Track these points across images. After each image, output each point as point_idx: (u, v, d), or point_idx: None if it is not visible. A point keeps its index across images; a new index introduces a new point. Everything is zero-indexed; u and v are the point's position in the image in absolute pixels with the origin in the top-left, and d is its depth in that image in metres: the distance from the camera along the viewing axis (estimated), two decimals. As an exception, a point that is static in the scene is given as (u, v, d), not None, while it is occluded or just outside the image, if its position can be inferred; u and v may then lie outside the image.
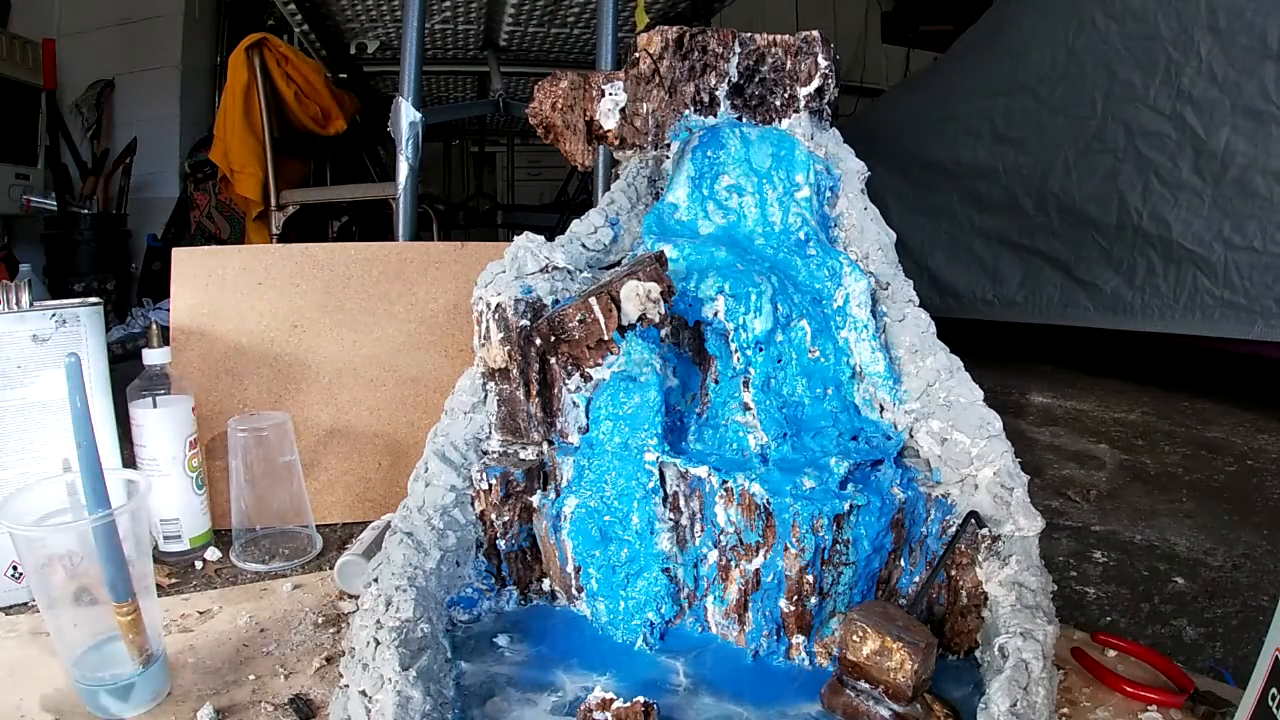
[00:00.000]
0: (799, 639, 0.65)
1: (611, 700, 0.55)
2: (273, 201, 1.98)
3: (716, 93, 0.83)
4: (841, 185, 0.82)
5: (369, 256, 1.05)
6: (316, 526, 0.96)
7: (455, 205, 3.57)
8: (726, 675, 0.64)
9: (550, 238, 0.76)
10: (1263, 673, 0.48)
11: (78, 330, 0.82)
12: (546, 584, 0.72)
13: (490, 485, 0.68)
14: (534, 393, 0.69)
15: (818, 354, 0.74)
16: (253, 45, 1.89)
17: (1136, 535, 1.04)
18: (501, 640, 0.66)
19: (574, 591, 0.69)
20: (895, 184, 2.43)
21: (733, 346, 0.72)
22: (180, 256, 1.00)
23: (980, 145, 2.17)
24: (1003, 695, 0.52)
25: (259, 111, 1.93)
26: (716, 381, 0.72)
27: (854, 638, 0.57)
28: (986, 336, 2.22)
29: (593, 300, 0.66)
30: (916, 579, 0.67)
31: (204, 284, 1.00)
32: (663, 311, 0.66)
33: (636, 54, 0.82)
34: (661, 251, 0.71)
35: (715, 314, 0.72)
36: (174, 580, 0.86)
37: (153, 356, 0.88)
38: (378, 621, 0.56)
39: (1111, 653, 0.72)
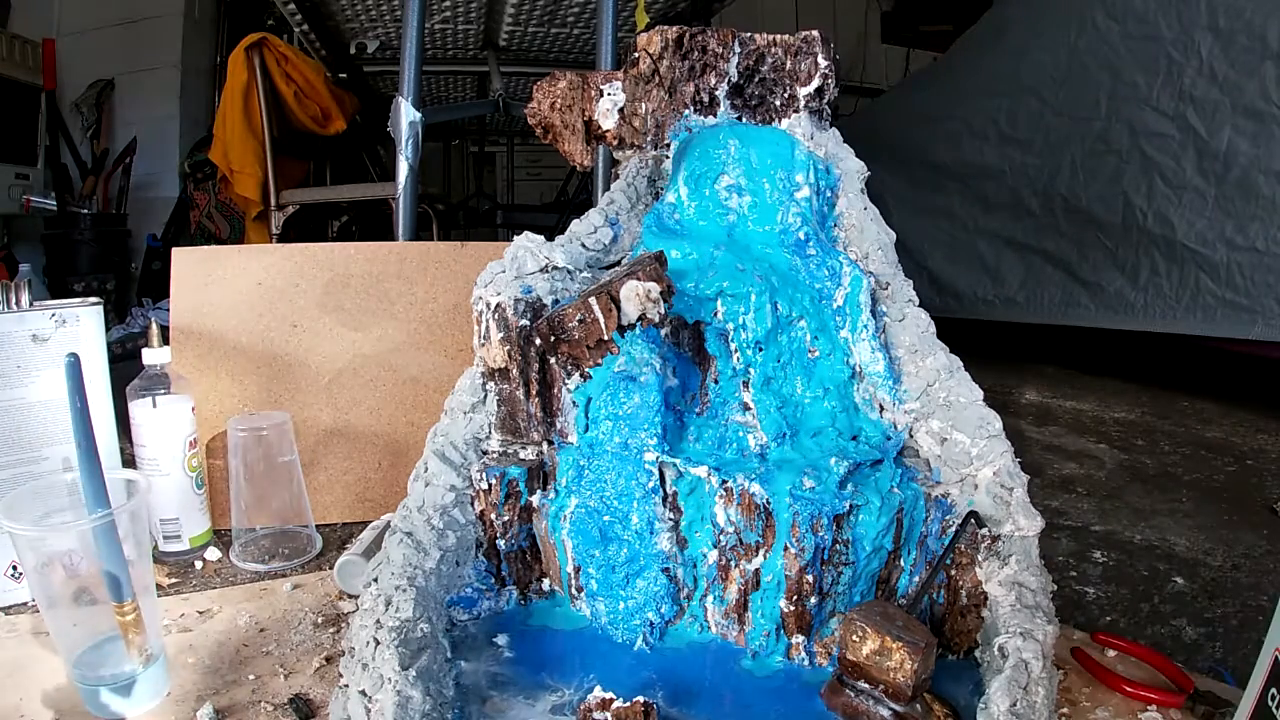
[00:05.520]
0: (799, 639, 0.65)
1: (611, 700, 0.55)
2: (273, 201, 1.98)
3: (716, 93, 0.83)
4: (841, 185, 0.82)
5: (369, 256, 1.05)
6: (316, 526, 0.96)
7: (455, 205, 3.57)
8: (726, 675, 0.64)
9: (550, 238, 0.76)
10: (1263, 673, 0.48)
11: (78, 330, 0.82)
12: (546, 584, 0.72)
13: (490, 485, 0.68)
14: (534, 393, 0.69)
15: (818, 354, 0.74)
16: (253, 45, 1.89)
17: (1136, 535, 1.04)
18: (501, 640, 0.66)
19: (574, 591, 0.69)
20: (895, 184, 2.42)
21: (732, 346, 0.72)
22: (180, 256, 1.00)
23: (986, 146, 2.17)
24: (1003, 695, 0.52)
25: (259, 111, 1.93)
26: (716, 381, 0.72)
27: (854, 638, 0.57)
28: (986, 336, 2.21)
29: (593, 300, 0.66)
30: (916, 579, 0.67)
31: (204, 284, 1.00)
32: (662, 311, 0.66)
33: (636, 54, 0.82)
34: (661, 251, 0.71)
35: (715, 314, 0.72)
36: (174, 580, 0.86)
37: (153, 356, 0.88)
38: (378, 621, 0.56)
39: (1111, 653, 0.72)
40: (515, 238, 0.73)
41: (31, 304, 0.80)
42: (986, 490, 0.66)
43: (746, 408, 0.72)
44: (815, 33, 0.83)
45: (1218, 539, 1.02)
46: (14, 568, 0.77)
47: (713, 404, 0.72)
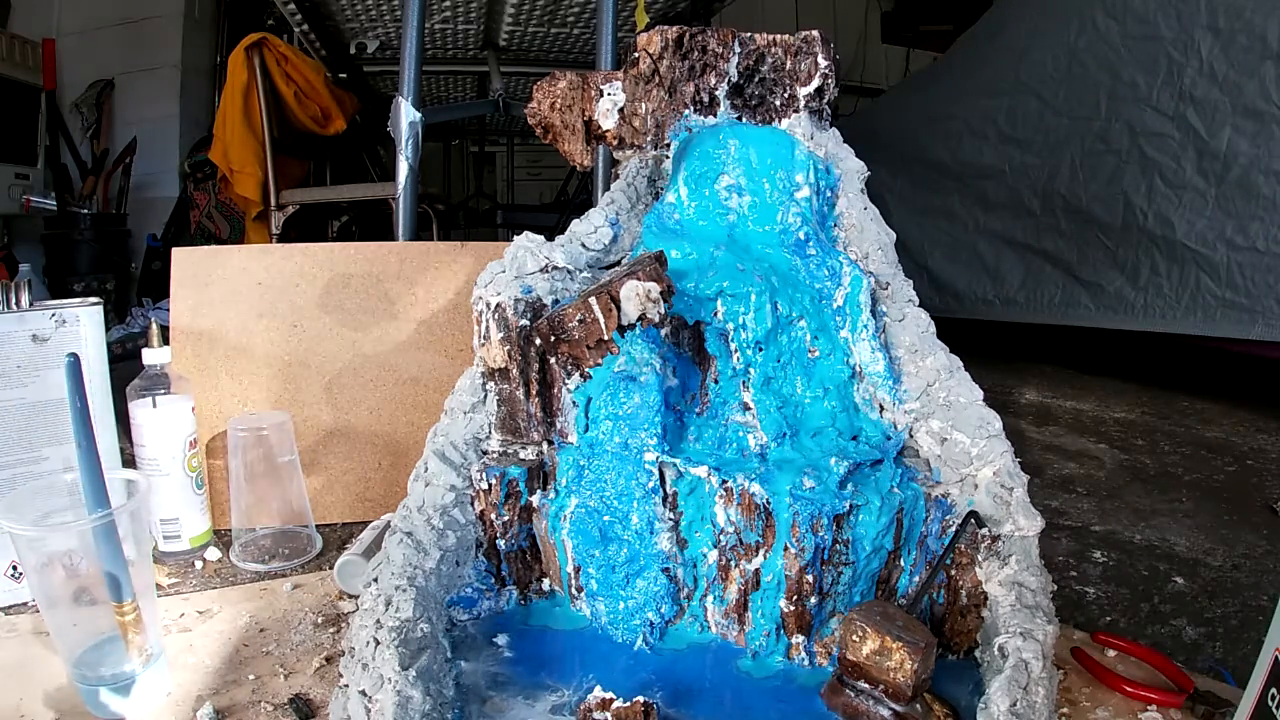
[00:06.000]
0: (799, 639, 0.65)
1: (611, 700, 0.55)
2: (273, 201, 1.98)
3: (716, 92, 0.83)
4: (841, 185, 0.82)
5: (369, 256, 1.05)
6: (316, 526, 0.96)
7: (455, 205, 3.57)
8: (726, 675, 0.64)
9: (550, 238, 0.76)
10: (1263, 673, 0.48)
11: (78, 330, 0.82)
12: (546, 584, 0.72)
13: (490, 485, 0.68)
14: (534, 393, 0.70)
15: (818, 354, 0.74)
16: (253, 45, 1.89)
17: (1136, 535, 1.04)
18: (501, 640, 0.66)
19: (574, 591, 0.69)
20: (895, 184, 2.42)
21: (732, 346, 0.72)
22: (180, 256, 1.00)
23: (985, 146, 2.17)
24: (1003, 695, 0.52)
25: (259, 111, 1.93)
26: (716, 381, 0.72)
27: (854, 637, 0.57)
28: (986, 336, 2.21)
29: (593, 300, 0.66)
30: (916, 579, 0.67)
31: (204, 284, 1.00)
32: (662, 311, 0.66)
33: (636, 54, 0.82)
34: (661, 251, 0.71)
35: (715, 314, 0.72)
36: (174, 580, 0.86)
37: (153, 356, 0.88)
38: (378, 621, 0.56)
39: (1111, 653, 0.72)
40: (515, 238, 0.73)
41: (31, 304, 0.80)
42: (986, 490, 0.66)
43: (746, 408, 0.72)
44: (815, 33, 0.83)
45: (1218, 539, 1.02)
46: (14, 568, 0.77)
47: (713, 404, 0.72)
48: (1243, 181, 1.53)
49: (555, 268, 0.73)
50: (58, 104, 2.75)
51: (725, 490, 0.65)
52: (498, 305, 0.68)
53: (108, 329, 1.03)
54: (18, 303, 0.79)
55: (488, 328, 0.68)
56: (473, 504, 0.68)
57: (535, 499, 0.69)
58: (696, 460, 0.66)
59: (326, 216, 2.53)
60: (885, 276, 0.78)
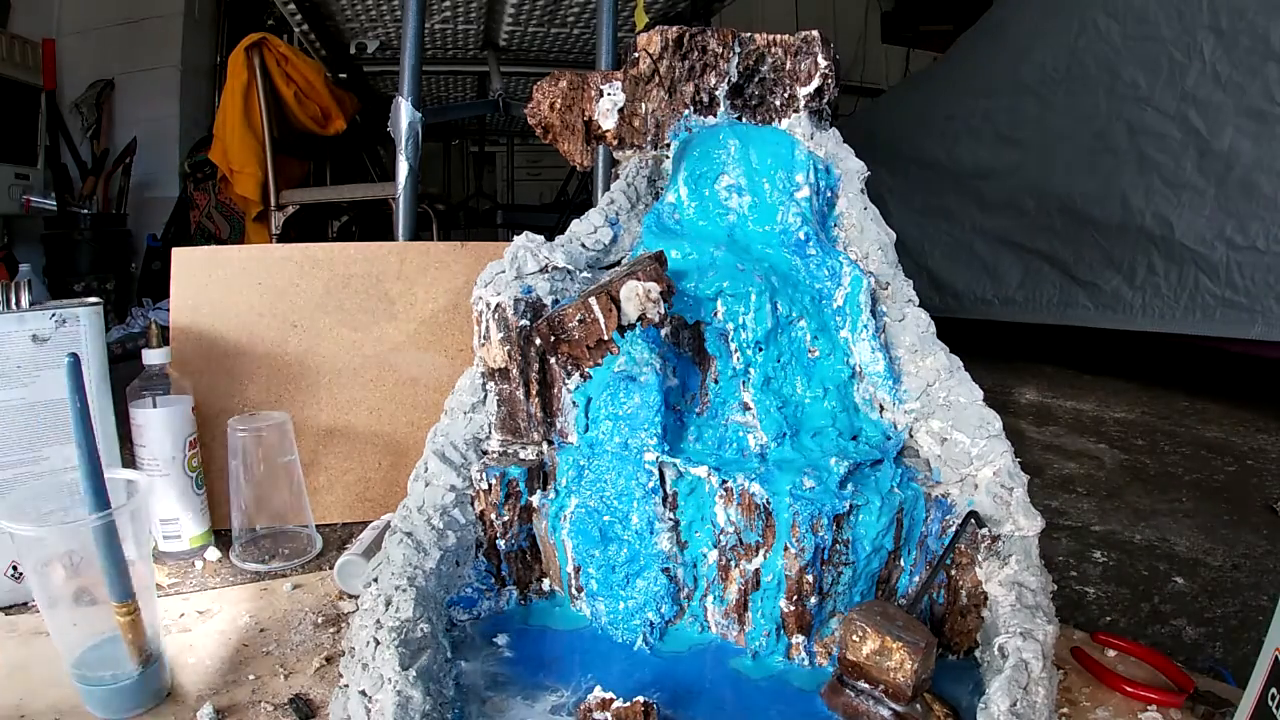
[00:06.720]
0: (799, 639, 0.65)
1: (611, 700, 0.55)
2: (273, 201, 1.98)
3: (716, 93, 0.83)
4: (841, 185, 0.82)
5: (369, 256, 1.05)
6: (316, 526, 0.96)
7: (455, 205, 3.57)
8: (726, 675, 0.64)
9: (550, 238, 0.76)
10: (1263, 673, 0.48)
11: (78, 330, 0.82)
12: (546, 584, 0.72)
13: (490, 485, 0.68)
14: (534, 393, 0.70)
15: (818, 354, 0.74)
16: (252, 45, 1.89)
17: (1136, 535, 1.04)
18: (501, 640, 0.66)
19: (574, 591, 0.69)
20: (895, 184, 2.43)
21: (732, 346, 0.72)
22: (180, 256, 1.00)
23: (982, 145, 2.17)
24: (1003, 695, 0.52)
25: (259, 111, 1.93)
26: (716, 381, 0.72)
27: (854, 637, 0.57)
28: (986, 336, 2.22)
29: (593, 300, 0.66)
30: (916, 579, 0.67)
31: (204, 284, 1.00)
32: (662, 311, 0.66)
33: (636, 54, 0.82)
34: (661, 251, 0.71)
35: (715, 314, 0.72)
36: (174, 580, 0.86)
37: (153, 356, 0.88)
38: (378, 621, 0.56)
39: (1111, 653, 0.72)
40: (515, 238, 0.73)
41: (31, 304, 0.80)
42: (986, 490, 0.66)
43: (746, 408, 0.72)
44: (815, 33, 0.83)
45: (1218, 539, 1.02)
46: (14, 568, 0.77)
47: (713, 404, 0.72)
48: (1244, 181, 1.53)
49: (555, 268, 0.73)
50: (58, 104, 2.75)
51: (725, 490, 0.65)
52: (498, 305, 0.68)
53: (108, 329, 1.03)
54: (18, 303, 0.79)
55: (488, 328, 0.68)
56: (473, 504, 0.68)
57: (535, 499, 0.69)
58: (696, 460, 0.66)
59: (326, 216, 2.53)
60: (885, 276, 0.78)
